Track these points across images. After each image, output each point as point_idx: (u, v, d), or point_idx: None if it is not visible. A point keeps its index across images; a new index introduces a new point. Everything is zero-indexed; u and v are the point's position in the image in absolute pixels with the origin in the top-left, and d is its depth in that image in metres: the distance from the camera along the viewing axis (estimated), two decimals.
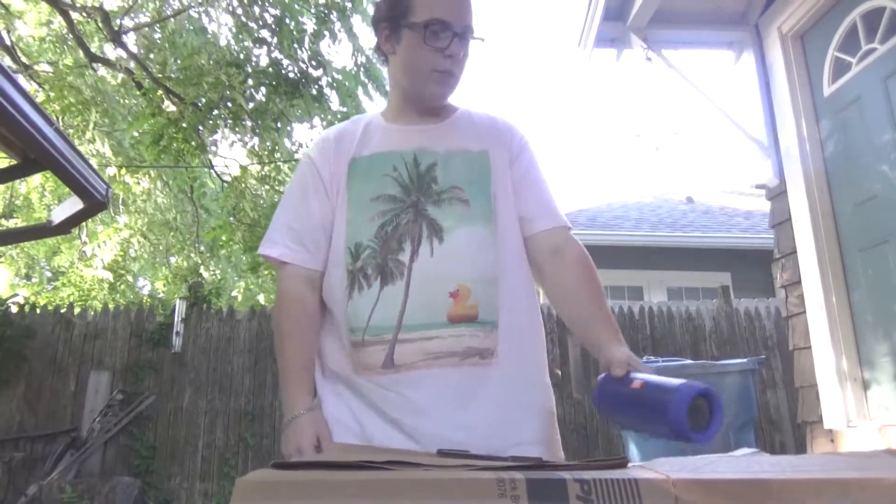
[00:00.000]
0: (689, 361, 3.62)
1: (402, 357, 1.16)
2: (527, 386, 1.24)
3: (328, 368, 1.28)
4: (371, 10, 6.31)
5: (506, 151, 1.32)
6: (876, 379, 2.83)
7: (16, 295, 6.93)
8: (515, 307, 1.24)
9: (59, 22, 7.02)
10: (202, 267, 9.25)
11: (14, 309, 5.58)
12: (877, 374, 2.83)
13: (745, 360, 3.57)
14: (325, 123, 6.76)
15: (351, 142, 1.31)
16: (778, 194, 3.38)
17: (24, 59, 7.08)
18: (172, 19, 6.39)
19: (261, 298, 9.08)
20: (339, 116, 6.65)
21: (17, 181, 7.84)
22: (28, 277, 11.54)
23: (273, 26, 5.87)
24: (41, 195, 8.92)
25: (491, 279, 1.21)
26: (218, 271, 10.04)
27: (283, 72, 5.97)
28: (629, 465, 0.79)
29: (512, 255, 1.27)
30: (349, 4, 5.97)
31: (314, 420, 1.19)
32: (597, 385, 1.08)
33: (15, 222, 9.05)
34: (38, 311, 5.62)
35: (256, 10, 5.92)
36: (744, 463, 0.89)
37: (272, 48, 5.97)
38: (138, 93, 6.47)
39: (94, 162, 6.99)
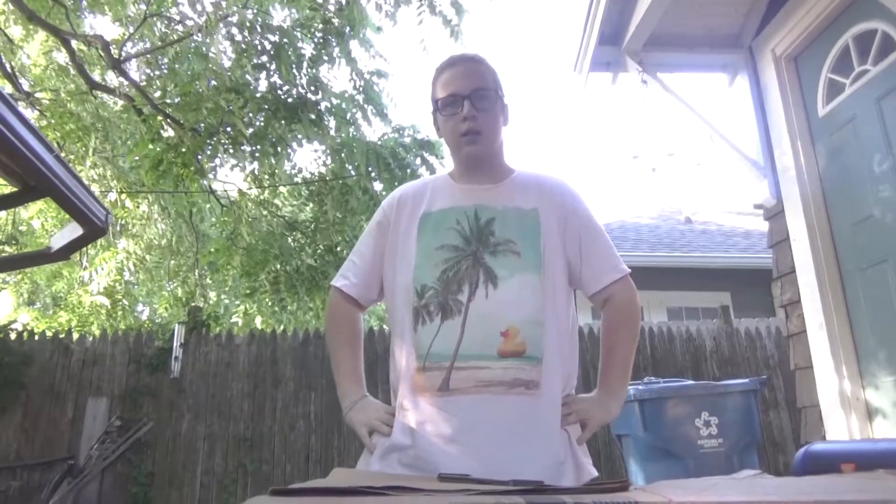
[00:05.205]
0: (690, 382, 3.60)
1: (457, 383, 1.33)
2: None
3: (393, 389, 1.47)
4: (369, 34, 6.29)
5: (554, 210, 1.50)
6: (879, 399, 2.82)
7: (15, 321, 6.88)
8: (558, 346, 1.41)
9: (60, 50, 7.07)
10: (200, 291, 9.19)
11: (13, 336, 5.55)
12: (879, 394, 2.81)
13: (746, 380, 3.55)
14: (324, 147, 6.77)
15: (422, 199, 1.54)
16: (775, 214, 3.39)
17: (25, 87, 7.11)
18: (173, 46, 6.44)
19: (257, 322, 9.00)
20: (338, 140, 6.66)
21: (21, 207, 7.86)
22: (31, 303, 11.48)
23: (272, 52, 5.90)
24: (44, 221, 8.91)
25: (538, 321, 1.38)
26: (214, 296, 9.99)
27: (282, 97, 6.00)
28: (631, 487, 0.78)
29: (557, 301, 1.44)
30: (348, 29, 6.02)
31: (373, 402, 1.47)
32: None
33: (16, 248, 9.01)
34: (36, 337, 5.60)
35: (256, 37, 5.96)
36: (747, 485, 0.88)
37: (271, 73, 6.00)
38: (138, 118, 6.49)
39: (95, 188, 7.02)
